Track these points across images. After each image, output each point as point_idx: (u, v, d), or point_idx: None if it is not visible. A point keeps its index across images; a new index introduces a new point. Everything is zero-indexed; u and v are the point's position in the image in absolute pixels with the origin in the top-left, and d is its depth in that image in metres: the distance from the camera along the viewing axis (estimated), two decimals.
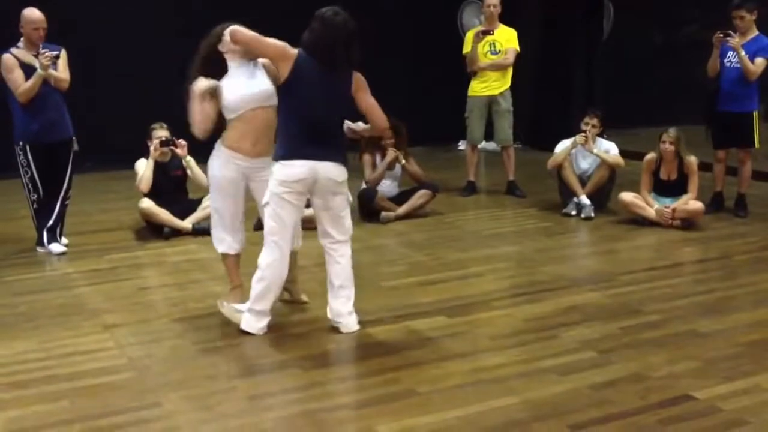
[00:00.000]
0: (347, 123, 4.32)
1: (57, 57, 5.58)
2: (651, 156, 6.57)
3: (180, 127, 6.59)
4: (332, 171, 4.02)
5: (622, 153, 7.00)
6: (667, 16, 11.84)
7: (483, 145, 9.60)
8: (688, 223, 6.37)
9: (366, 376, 3.70)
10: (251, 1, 8.89)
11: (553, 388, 3.52)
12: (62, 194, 5.83)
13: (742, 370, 3.69)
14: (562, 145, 6.99)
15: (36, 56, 5.49)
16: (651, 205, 6.46)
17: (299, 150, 3.95)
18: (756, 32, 6.60)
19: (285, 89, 3.98)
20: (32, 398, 3.50)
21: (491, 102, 7.70)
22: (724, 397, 3.42)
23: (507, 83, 7.66)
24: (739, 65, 6.50)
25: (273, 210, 4.01)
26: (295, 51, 3.94)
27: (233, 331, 4.23)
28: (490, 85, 7.63)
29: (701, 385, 3.52)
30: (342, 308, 4.18)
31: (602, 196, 6.93)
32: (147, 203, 6.23)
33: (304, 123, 3.96)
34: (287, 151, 3.97)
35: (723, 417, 3.25)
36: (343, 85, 4.02)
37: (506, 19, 7.96)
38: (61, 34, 5.97)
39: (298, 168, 3.94)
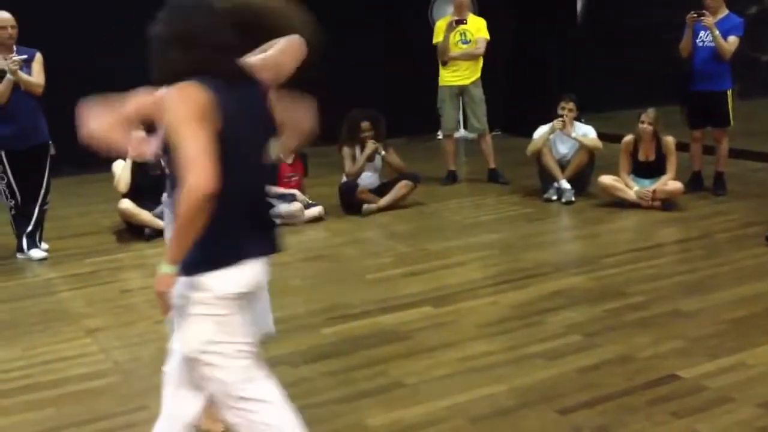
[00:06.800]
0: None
1: (27, 60, 5.51)
2: (629, 138, 6.60)
3: None
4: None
5: (600, 136, 7.03)
6: None
7: (463, 133, 9.64)
8: (668, 203, 6.41)
9: (354, 369, 3.69)
10: None
11: (540, 374, 3.54)
12: (40, 199, 5.76)
13: (727, 347, 3.73)
14: (541, 131, 7.01)
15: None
16: (631, 187, 6.50)
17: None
18: (726, 11, 6.65)
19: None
20: (17, 407, 3.46)
21: (462, 92, 7.71)
22: (710, 375, 3.45)
23: (477, 72, 7.66)
24: (711, 44, 6.53)
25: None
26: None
27: None
28: (461, 75, 7.63)
29: (687, 364, 3.55)
30: None
31: (582, 179, 6.95)
32: (126, 204, 6.18)
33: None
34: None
35: (709, 395, 3.27)
36: (260, 101, 2.49)
37: (480, 3, 7.94)
38: (33, 35, 5.89)
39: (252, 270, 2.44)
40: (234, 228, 2.35)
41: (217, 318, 2.33)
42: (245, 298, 2.40)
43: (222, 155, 2.23)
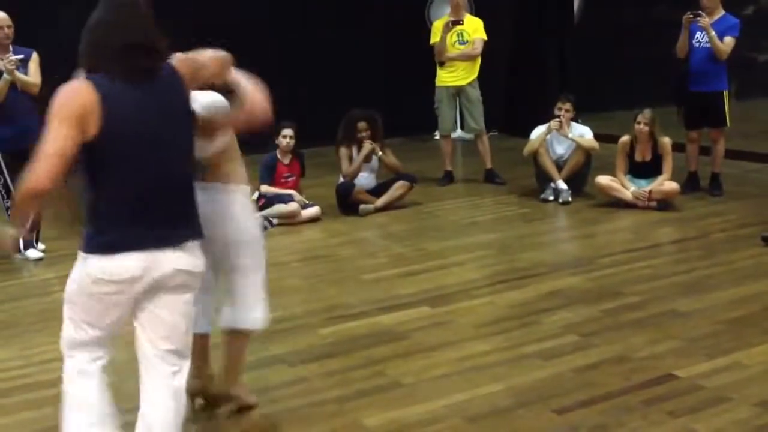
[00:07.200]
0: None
1: (22, 60, 5.51)
2: (625, 138, 6.62)
3: None
4: (182, 259, 2.57)
5: (597, 136, 7.04)
6: None
7: (460, 134, 9.65)
8: (664, 204, 6.42)
9: (351, 369, 3.70)
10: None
11: (537, 374, 3.55)
12: None
13: (723, 347, 3.74)
14: (537, 131, 7.02)
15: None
16: (627, 188, 6.51)
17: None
18: (722, 12, 6.67)
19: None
20: (15, 406, 3.47)
21: (459, 92, 7.72)
22: (706, 374, 3.46)
23: (475, 73, 7.66)
24: (708, 45, 6.55)
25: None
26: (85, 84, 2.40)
27: (214, 330, 4.20)
28: (458, 75, 7.63)
29: (683, 364, 3.56)
30: None
31: (579, 180, 6.97)
32: None
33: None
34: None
35: (706, 395, 3.29)
36: (176, 99, 2.55)
37: (479, 4, 7.91)
38: (30, 35, 5.89)
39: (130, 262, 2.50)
40: (116, 221, 2.48)
41: (78, 289, 2.59)
42: (113, 289, 2.52)
43: (103, 153, 2.39)
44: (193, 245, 2.59)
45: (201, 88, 2.82)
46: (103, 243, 2.48)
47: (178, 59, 2.58)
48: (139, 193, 2.47)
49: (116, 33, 2.43)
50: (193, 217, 2.62)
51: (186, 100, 2.57)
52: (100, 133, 2.36)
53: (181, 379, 2.70)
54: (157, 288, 2.56)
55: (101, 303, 2.57)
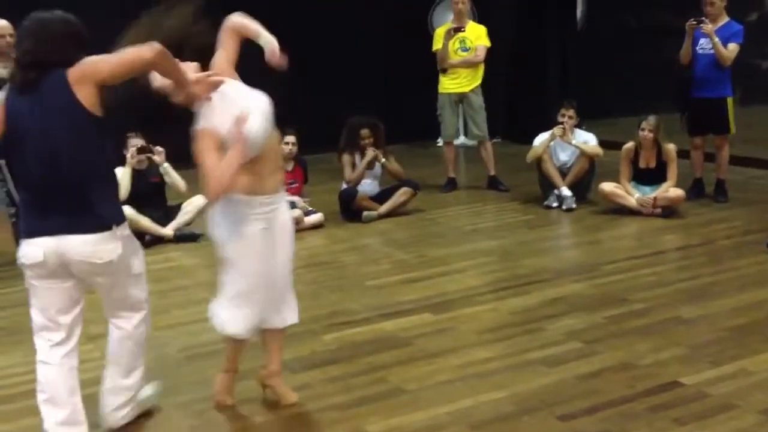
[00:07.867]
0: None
1: None
2: (629, 145, 6.60)
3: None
4: (84, 248, 2.88)
5: (601, 143, 7.03)
6: (640, 3, 11.91)
7: (463, 140, 9.65)
8: (669, 210, 6.41)
9: (354, 376, 3.69)
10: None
11: (540, 380, 3.53)
12: None
13: (728, 354, 3.72)
14: (541, 138, 7.01)
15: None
16: (631, 195, 6.50)
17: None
18: (727, 18, 6.65)
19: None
20: (19, 412, 3.46)
21: (463, 99, 7.71)
22: (712, 382, 3.44)
23: (478, 80, 7.66)
24: (711, 52, 6.54)
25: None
26: None
27: (218, 337, 4.19)
28: (461, 82, 7.63)
29: (688, 372, 3.54)
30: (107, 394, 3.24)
31: (583, 186, 6.95)
32: (128, 210, 6.14)
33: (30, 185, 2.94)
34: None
35: (711, 402, 3.27)
36: (61, 103, 2.80)
37: (479, 10, 7.89)
38: None
39: (34, 248, 2.90)
40: (25, 209, 2.95)
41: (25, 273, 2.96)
42: (34, 273, 2.93)
43: (10, 148, 2.86)
44: (97, 237, 2.87)
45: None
46: (21, 228, 2.93)
47: (79, 64, 2.81)
48: (32, 186, 2.88)
49: (20, 47, 2.88)
50: (93, 209, 2.88)
51: (72, 104, 2.78)
52: (4, 131, 2.84)
53: (129, 324, 3.21)
54: (72, 273, 2.92)
55: (34, 287, 2.96)
